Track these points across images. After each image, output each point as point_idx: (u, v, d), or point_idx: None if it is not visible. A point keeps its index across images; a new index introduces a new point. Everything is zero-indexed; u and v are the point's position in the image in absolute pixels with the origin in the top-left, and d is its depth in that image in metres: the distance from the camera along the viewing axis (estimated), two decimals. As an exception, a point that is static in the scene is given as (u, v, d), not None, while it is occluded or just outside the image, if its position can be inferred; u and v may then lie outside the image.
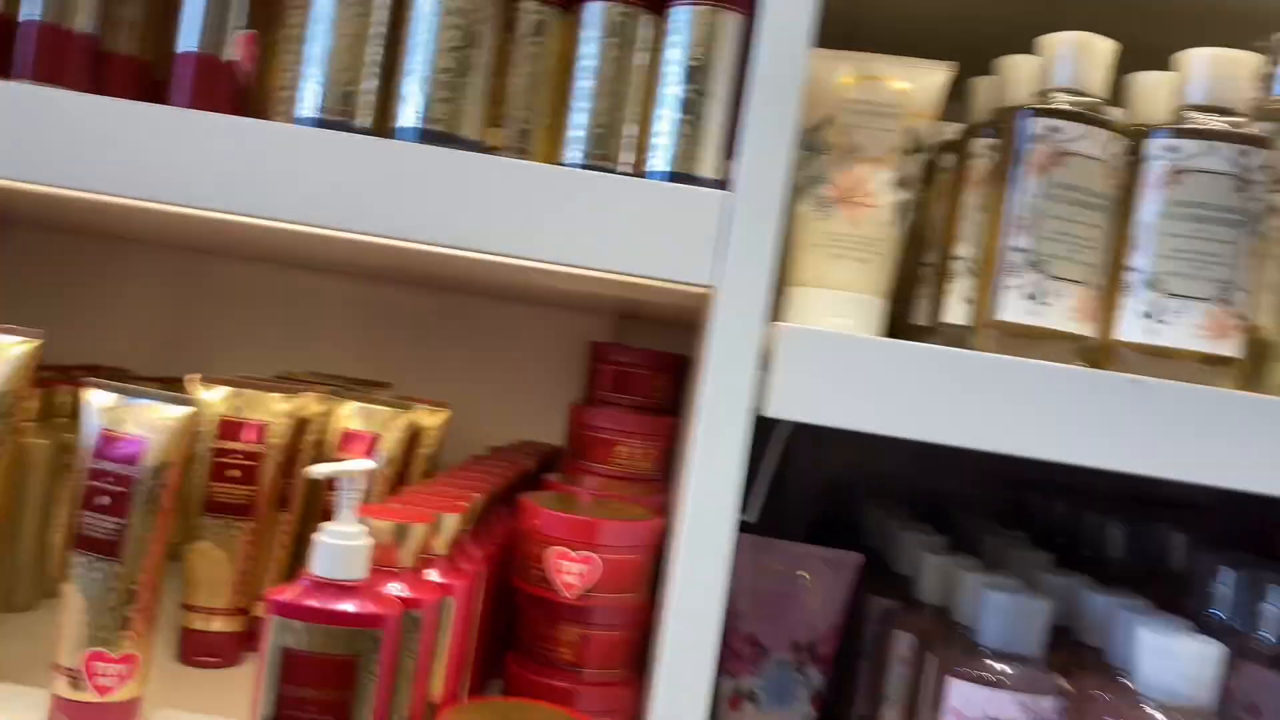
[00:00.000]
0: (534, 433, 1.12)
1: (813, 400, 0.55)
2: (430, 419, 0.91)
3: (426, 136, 0.57)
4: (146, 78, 0.66)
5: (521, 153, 0.61)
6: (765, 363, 0.55)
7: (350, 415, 0.86)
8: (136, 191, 0.56)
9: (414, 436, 0.88)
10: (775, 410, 0.55)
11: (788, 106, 0.55)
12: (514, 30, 0.61)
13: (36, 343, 0.68)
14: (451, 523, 0.66)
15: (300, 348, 1.14)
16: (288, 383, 0.87)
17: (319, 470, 0.56)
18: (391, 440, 0.85)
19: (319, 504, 0.85)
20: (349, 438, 0.85)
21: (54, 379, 0.89)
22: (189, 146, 0.56)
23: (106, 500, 0.65)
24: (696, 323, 1.03)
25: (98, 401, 0.67)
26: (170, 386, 0.99)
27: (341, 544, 0.56)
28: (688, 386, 0.97)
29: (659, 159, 0.58)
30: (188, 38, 0.61)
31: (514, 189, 0.55)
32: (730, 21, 0.59)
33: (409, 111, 0.58)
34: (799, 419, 0.55)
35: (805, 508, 1.06)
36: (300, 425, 0.85)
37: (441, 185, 0.55)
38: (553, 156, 0.61)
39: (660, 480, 0.94)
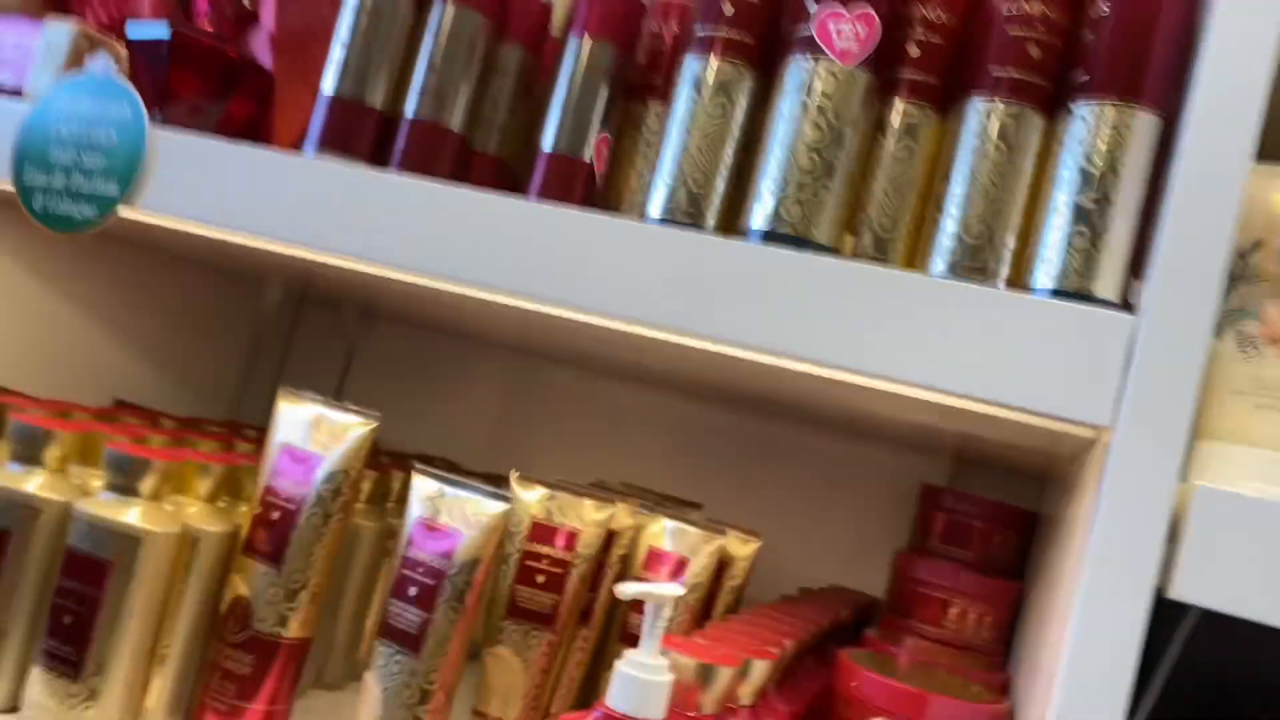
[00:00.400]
0: (847, 578, 1.03)
1: (1232, 584, 0.43)
2: (741, 548, 0.85)
3: (776, 238, 0.53)
4: (505, 176, 0.67)
5: (878, 261, 0.55)
6: (1173, 531, 0.44)
7: (660, 533, 0.81)
8: (495, 282, 0.55)
9: (722, 565, 0.82)
10: (1183, 592, 0.44)
11: (1219, 226, 0.45)
12: (881, 132, 0.55)
13: (373, 425, 0.70)
14: (760, 670, 0.58)
15: (617, 458, 1.12)
16: (601, 491, 0.84)
17: (628, 589, 0.51)
18: (699, 565, 0.79)
19: (619, 623, 0.80)
20: (656, 557, 0.81)
21: (390, 464, 0.92)
22: (544, 239, 0.55)
23: (414, 591, 0.64)
24: (1050, 473, 0.90)
25: (421, 489, 0.67)
26: (492, 483, 1.01)
27: (643, 677, 0.50)
28: (1037, 547, 0.84)
29: (1045, 274, 0.50)
30: (550, 138, 0.61)
31: (871, 298, 0.49)
32: (1143, 123, 0.50)
33: (760, 213, 0.53)
34: (1213, 606, 0.43)
35: (1177, 703, 0.88)
36: (609, 537, 0.81)
37: (789, 290, 0.50)
38: (912, 267, 0.54)
39: (998, 654, 0.81)
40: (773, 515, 1.06)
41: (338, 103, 0.61)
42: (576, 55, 0.62)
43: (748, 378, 0.79)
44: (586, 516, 0.79)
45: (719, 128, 0.56)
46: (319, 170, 0.59)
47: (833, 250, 0.54)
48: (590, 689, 0.83)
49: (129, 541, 0.66)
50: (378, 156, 0.62)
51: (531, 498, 0.79)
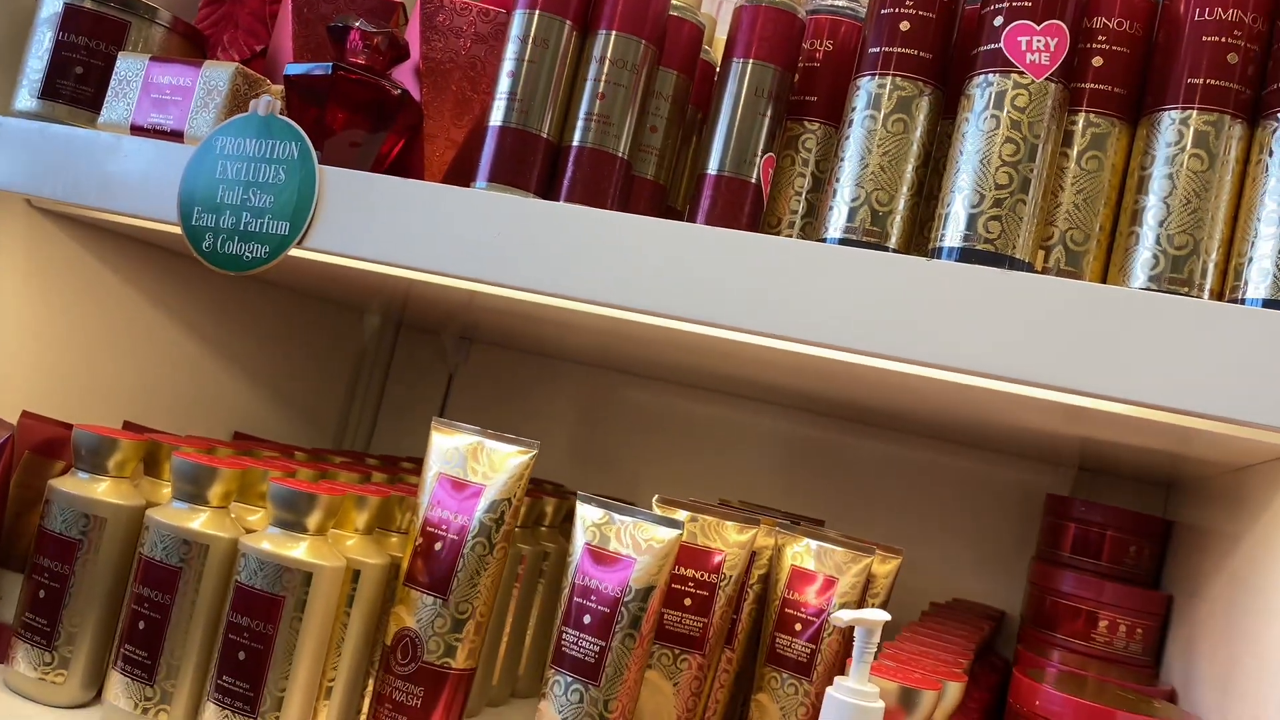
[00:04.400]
0: (966, 590, 1.02)
1: None
2: (882, 566, 0.84)
3: (973, 256, 0.52)
4: (663, 201, 0.67)
5: (1071, 276, 0.54)
6: None
7: (804, 553, 0.80)
8: (677, 310, 0.55)
9: (864, 583, 0.82)
10: None
11: None
12: (1068, 144, 0.55)
13: (533, 453, 0.70)
14: (954, 692, 0.58)
15: (723, 475, 1.12)
16: (739, 510, 0.84)
17: (843, 617, 0.51)
18: (847, 584, 0.79)
19: (765, 644, 0.80)
20: (801, 577, 0.80)
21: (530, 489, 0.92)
22: (715, 263, 0.54)
23: (589, 619, 0.64)
24: (1178, 478, 0.89)
25: (587, 516, 0.67)
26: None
27: (858, 704, 0.50)
28: (1182, 556, 0.83)
29: (1258, 284, 0.49)
30: (716, 160, 0.61)
31: (1077, 314, 0.48)
32: (1350, 127, 0.49)
33: (954, 230, 0.53)
34: None
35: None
36: (750, 558, 0.81)
37: (992, 308, 0.49)
38: (1104, 280, 0.54)
39: (1149, 666, 0.80)
40: (888, 529, 1.05)
41: (506, 133, 0.61)
42: (739, 77, 0.62)
43: (883, 393, 0.78)
44: (730, 538, 0.79)
45: (899, 145, 0.56)
46: (491, 203, 0.59)
47: (1028, 266, 0.53)
48: (734, 712, 0.82)
49: (300, 576, 0.66)
50: (547, 186, 0.62)
51: (678, 519, 0.78)
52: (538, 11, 0.62)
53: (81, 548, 0.71)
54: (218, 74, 0.67)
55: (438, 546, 0.69)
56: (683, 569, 0.78)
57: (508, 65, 0.62)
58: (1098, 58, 0.54)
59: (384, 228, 0.61)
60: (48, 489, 0.72)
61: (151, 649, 0.68)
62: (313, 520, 0.68)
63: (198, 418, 1.01)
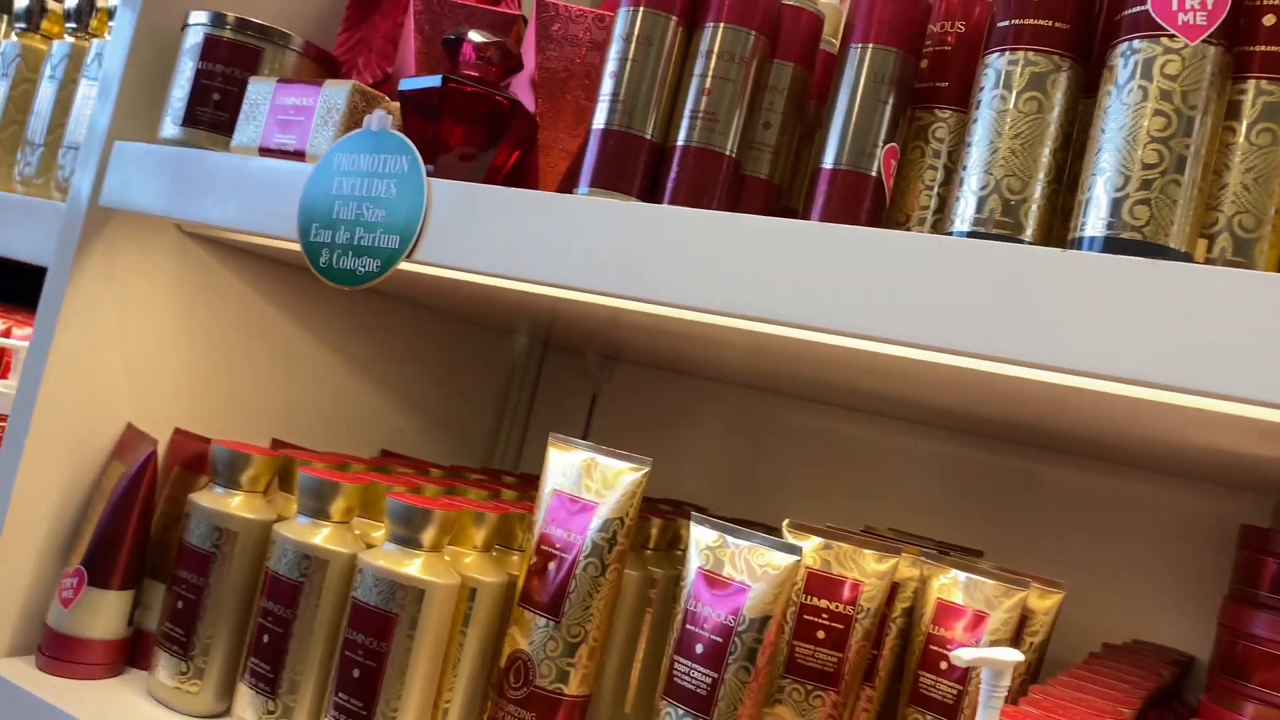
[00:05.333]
0: (1148, 631, 0.91)
1: None
2: (1040, 601, 0.76)
3: (1119, 246, 0.46)
4: (778, 200, 0.63)
5: (1240, 267, 0.47)
6: None
7: (951, 585, 0.74)
8: (787, 315, 0.51)
9: (1021, 620, 0.74)
10: None
11: None
12: (1235, 117, 0.47)
13: (645, 470, 0.67)
14: (1110, 746, 0.50)
15: (878, 502, 1.05)
16: (880, 539, 0.78)
17: (965, 655, 0.45)
18: (999, 621, 0.71)
19: (908, 683, 0.73)
20: (947, 611, 0.73)
21: (643, 510, 0.89)
22: (829, 261, 0.50)
23: (701, 649, 0.60)
24: None
25: (701, 538, 0.63)
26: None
27: (985, 755, 0.44)
28: None
29: None
30: (830, 153, 0.57)
31: (1249, 311, 0.41)
32: None
33: (1096, 218, 0.47)
34: None
35: None
36: (891, 589, 0.75)
37: (1142, 305, 0.43)
38: (1283, 272, 0.46)
39: (1367, 726, 0.69)
40: (1059, 562, 0.96)
41: (608, 136, 0.59)
42: (857, 64, 0.57)
43: (1042, 409, 0.71)
44: (868, 567, 0.73)
45: (1033, 127, 0.50)
46: (592, 209, 0.56)
47: (1185, 257, 0.46)
48: (877, 754, 0.76)
49: (413, 594, 0.65)
50: (650, 189, 0.59)
51: (807, 547, 0.73)
52: (642, 8, 0.59)
53: (215, 560, 0.73)
54: (336, 93, 0.68)
55: (551, 566, 0.67)
56: (815, 599, 0.72)
57: (610, 66, 0.59)
58: (1269, 15, 0.47)
59: (490, 238, 0.60)
60: (187, 502, 0.75)
61: (275, 663, 0.69)
62: (427, 536, 0.67)
63: (347, 436, 1.04)
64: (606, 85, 0.59)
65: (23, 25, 1.00)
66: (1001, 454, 1.01)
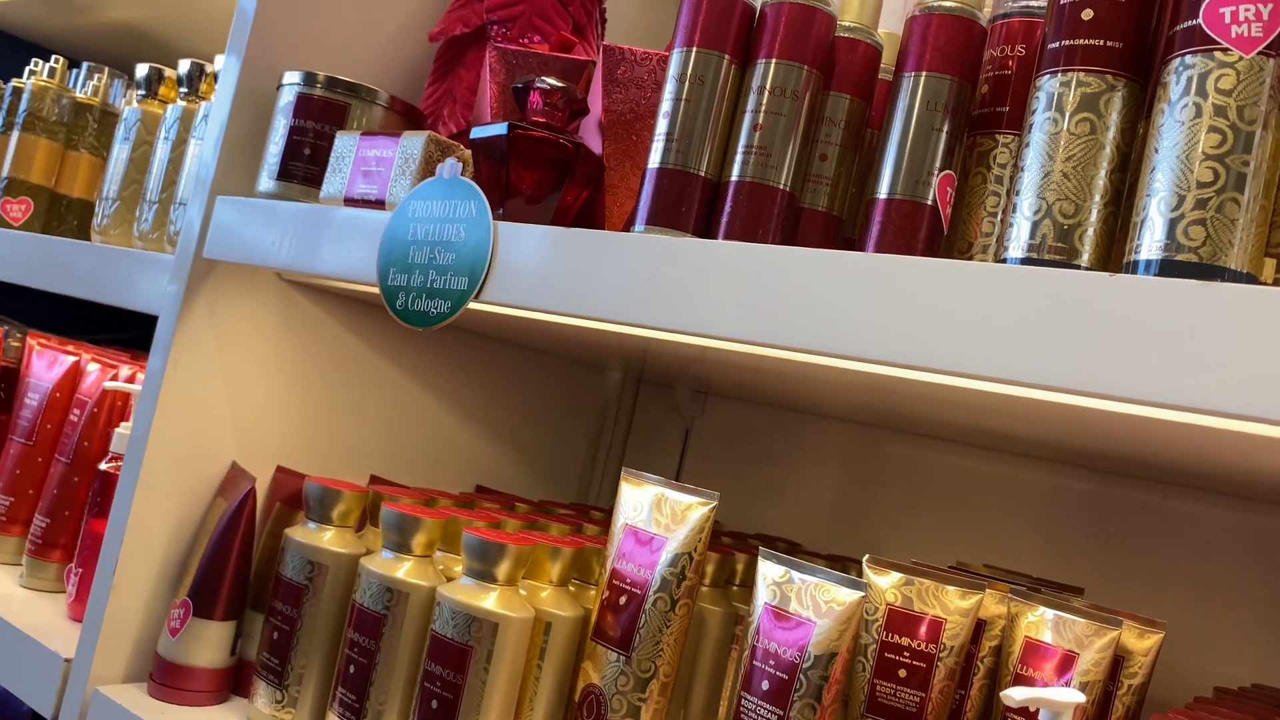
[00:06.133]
0: (1269, 675, 0.85)
1: None
2: (1139, 641, 0.72)
3: (1175, 269, 0.44)
4: (836, 231, 0.62)
5: (1313, 288, 0.44)
6: None
7: (1039, 623, 0.71)
8: (836, 346, 0.51)
9: (1117, 661, 0.70)
10: None
11: None
12: (1302, 128, 0.45)
13: (713, 504, 0.67)
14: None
15: (976, 537, 1.02)
16: (965, 575, 0.76)
17: (1016, 695, 0.43)
18: (1090, 661, 0.68)
19: (995, 726, 0.71)
20: (1035, 650, 0.70)
21: (732, 546, 0.89)
22: (883, 294, 0.49)
23: (767, 685, 0.60)
24: None
25: (768, 573, 0.63)
26: (837, 565, 0.95)
27: (1041, 801, 0.42)
28: None
29: None
30: (884, 183, 0.57)
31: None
32: None
33: (1150, 240, 0.45)
34: None
35: None
36: (978, 627, 0.72)
37: (1198, 329, 0.41)
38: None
39: None
40: (1166, 600, 0.91)
41: (663, 174, 0.60)
42: (910, 92, 0.57)
43: (1135, 440, 0.68)
44: (950, 604, 0.71)
45: (1087, 149, 0.49)
46: (646, 245, 0.57)
47: (1248, 278, 0.44)
48: (966, 800, 0.73)
49: (488, 627, 0.67)
50: (705, 225, 0.60)
51: (886, 583, 0.72)
52: (694, 49, 0.60)
53: (307, 593, 0.76)
54: (413, 143, 0.71)
55: (622, 600, 0.67)
56: (896, 636, 0.71)
57: (664, 106, 0.61)
58: (1337, 21, 0.45)
59: (553, 277, 0.61)
60: (283, 537, 0.78)
61: (360, 693, 0.71)
62: (502, 570, 0.68)
63: (443, 473, 1.07)
64: (661, 125, 0.60)
65: (143, 93, 1.08)
66: (1107, 485, 0.97)
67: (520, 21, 0.87)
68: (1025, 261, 0.50)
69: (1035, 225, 0.49)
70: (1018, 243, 0.50)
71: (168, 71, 1.08)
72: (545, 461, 1.19)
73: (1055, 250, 0.49)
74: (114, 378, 1.05)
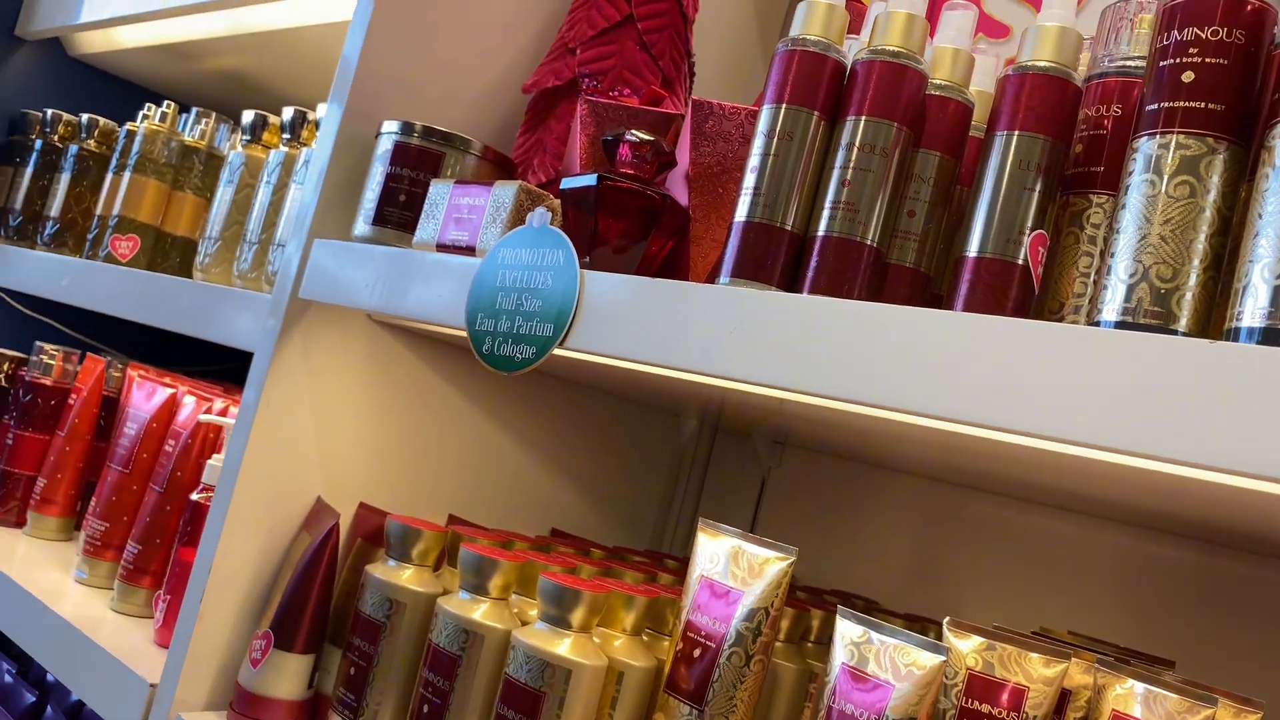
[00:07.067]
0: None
1: None
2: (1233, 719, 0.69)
3: (1276, 337, 0.43)
4: (924, 288, 0.62)
5: None
6: None
7: (1128, 696, 0.68)
8: (920, 405, 0.50)
9: (1212, 739, 0.67)
10: None
11: None
12: None
13: (791, 559, 0.66)
14: None
15: (1059, 602, 0.99)
16: (1049, 642, 0.74)
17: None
18: (1183, 739, 0.65)
19: (1080, 802, 0.68)
20: (1123, 725, 0.68)
21: (807, 601, 0.88)
22: (972, 353, 0.49)
23: (843, 747, 0.59)
24: None
25: (846, 632, 0.62)
26: (915, 625, 0.93)
27: None
28: None
29: None
30: (974, 241, 0.56)
31: None
32: None
33: (1253, 307, 0.44)
34: None
35: None
36: (1062, 698, 0.70)
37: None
38: None
39: None
40: (1264, 679, 0.87)
41: (750, 228, 0.60)
42: (1003, 150, 0.57)
43: (1233, 511, 0.65)
44: (1034, 672, 0.69)
45: (1186, 212, 0.48)
46: (732, 298, 0.58)
47: (1359, 348, 0.43)
48: None
49: (561, 673, 0.67)
50: (790, 279, 0.60)
51: (967, 647, 0.70)
52: (784, 106, 0.61)
53: (385, 630, 0.77)
54: (504, 192, 0.73)
55: (696, 653, 0.67)
56: (976, 703, 0.69)
57: (753, 160, 0.61)
58: None
59: (636, 326, 0.62)
60: (363, 573, 0.80)
61: (432, 732, 0.72)
62: (577, 616, 0.69)
63: (520, 514, 1.08)
64: (749, 179, 0.61)
65: (248, 138, 1.12)
66: (1202, 555, 0.93)
67: (611, 75, 0.89)
68: (1120, 325, 0.49)
69: (1131, 288, 0.48)
70: (1112, 305, 0.49)
71: (272, 118, 1.13)
72: (619, 506, 1.19)
73: (1152, 314, 0.48)
74: (208, 411, 1.09)
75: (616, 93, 0.88)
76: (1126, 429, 0.43)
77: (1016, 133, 0.57)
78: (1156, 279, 0.48)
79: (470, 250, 0.75)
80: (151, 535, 1.05)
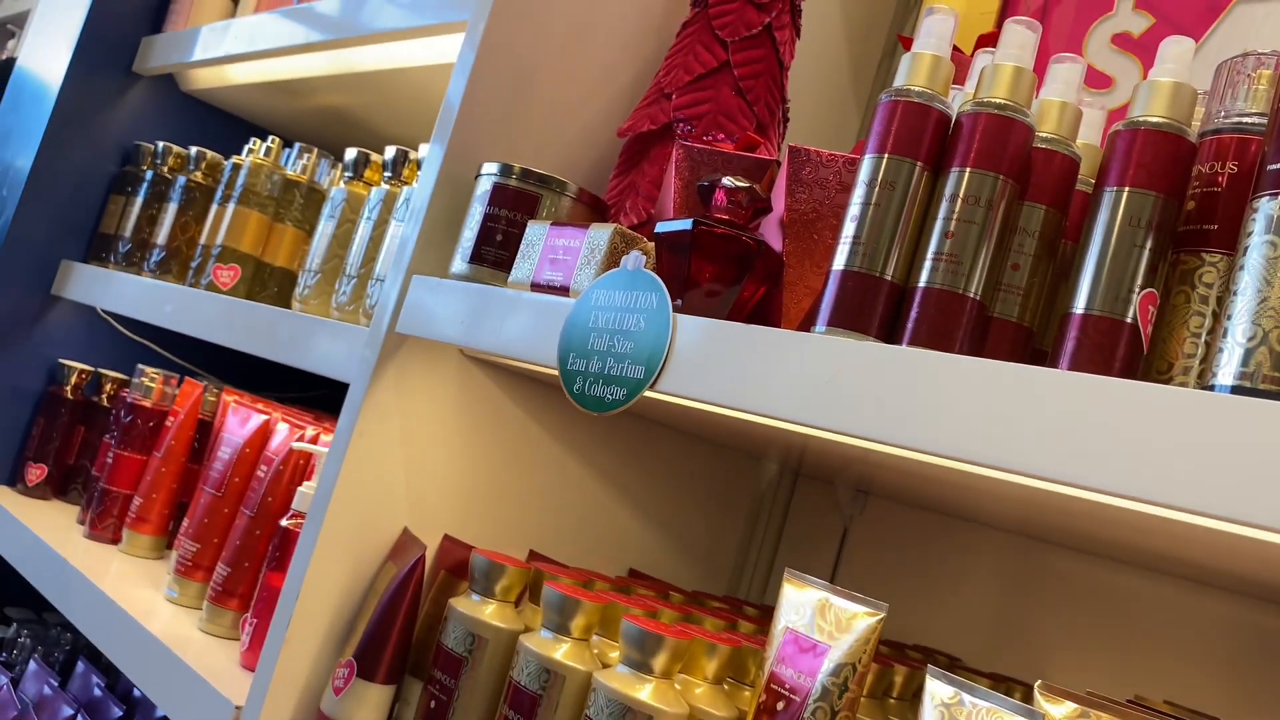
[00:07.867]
0: None
1: None
2: (1349, 806, 0.66)
3: None
4: (1028, 344, 0.61)
5: None
6: None
7: (1231, 775, 0.65)
8: (1004, 461, 0.49)
9: (1324, 826, 0.64)
10: None
11: None
12: None
13: (881, 615, 0.65)
14: None
15: (1155, 668, 0.95)
16: (1146, 711, 0.71)
17: None
18: (1292, 825, 0.62)
19: None
20: (1227, 805, 0.65)
21: (889, 656, 0.86)
22: (1079, 414, 0.48)
23: (931, 812, 0.57)
24: None
25: (937, 693, 0.60)
26: (1000, 686, 0.90)
27: None
28: None
29: None
30: (1081, 297, 0.55)
31: None
32: None
33: (1383, 376, 0.42)
34: None
35: None
36: (1160, 771, 0.67)
37: None
38: None
39: None
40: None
41: (848, 277, 0.60)
42: (1112, 207, 0.56)
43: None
44: (1130, 741, 0.66)
45: (1310, 276, 0.46)
46: (830, 347, 0.57)
47: None
48: None
49: (641, 719, 0.66)
50: (889, 329, 0.60)
51: (1060, 713, 0.68)
52: (887, 155, 0.61)
53: (466, 664, 0.77)
54: (600, 234, 0.74)
55: (779, 705, 0.66)
56: (1067, 771, 0.66)
57: (852, 209, 0.61)
58: None
59: (727, 371, 0.62)
60: (447, 606, 0.81)
61: (510, 770, 0.72)
62: (658, 662, 0.68)
63: (598, 553, 1.08)
64: (848, 228, 0.61)
65: (350, 174, 1.16)
66: (1305, 627, 0.89)
67: (706, 120, 0.90)
68: (1236, 390, 0.47)
69: (1249, 353, 0.47)
70: (1228, 369, 0.48)
71: (374, 156, 1.16)
72: (697, 549, 1.19)
73: (1271, 380, 0.46)
74: (300, 438, 1.11)
75: (711, 138, 0.89)
76: (1243, 498, 0.42)
77: (1128, 189, 0.55)
78: (1277, 343, 0.46)
79: (564, 290, 0.76)
80: (241, 558, 1.08)
